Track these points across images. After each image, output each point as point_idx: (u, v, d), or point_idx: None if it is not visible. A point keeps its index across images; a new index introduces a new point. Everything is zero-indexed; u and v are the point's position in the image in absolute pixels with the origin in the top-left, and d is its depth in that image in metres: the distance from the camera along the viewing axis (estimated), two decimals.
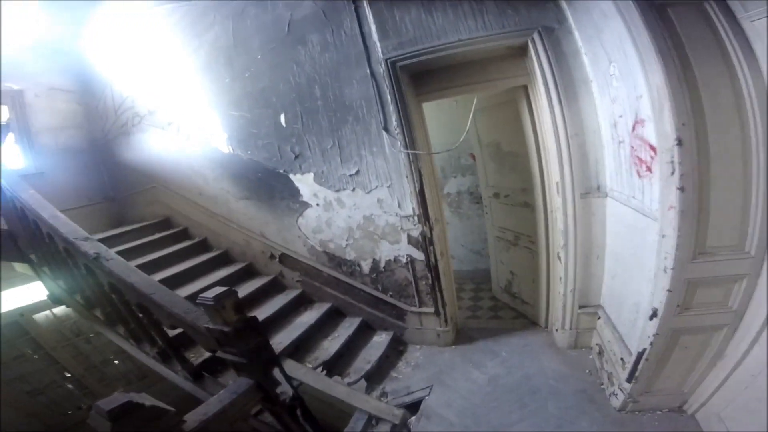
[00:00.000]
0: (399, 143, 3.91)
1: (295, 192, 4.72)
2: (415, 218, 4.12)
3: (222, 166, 5.20)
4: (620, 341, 3.28)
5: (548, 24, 3.30)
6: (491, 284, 5.66)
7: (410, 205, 4.09)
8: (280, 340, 4.15)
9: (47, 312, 6.46)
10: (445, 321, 4.39)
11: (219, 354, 2.22)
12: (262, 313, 4.49)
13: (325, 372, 3.86)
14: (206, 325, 2.14)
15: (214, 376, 3.36)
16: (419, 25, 3.63)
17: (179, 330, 2.54)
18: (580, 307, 3.85)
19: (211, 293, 2.05)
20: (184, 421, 1.58)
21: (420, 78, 4.03)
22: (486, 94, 4.57)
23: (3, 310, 5.92)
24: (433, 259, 4.21)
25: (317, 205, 4.63)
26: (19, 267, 4.67)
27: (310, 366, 3.92)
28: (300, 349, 4.19)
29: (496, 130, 4.73)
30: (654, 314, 2.67)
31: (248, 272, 5.30)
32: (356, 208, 4.41)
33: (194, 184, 5.59)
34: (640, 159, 2.74)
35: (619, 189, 3.18)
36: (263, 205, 5.04)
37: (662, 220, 2.49)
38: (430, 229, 4.13)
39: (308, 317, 4.61)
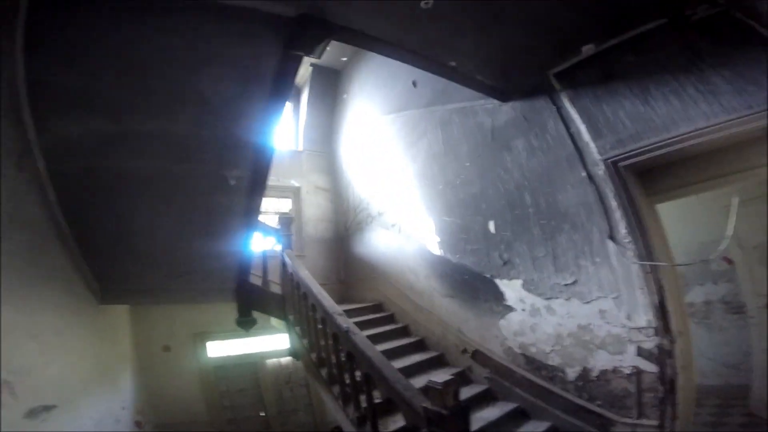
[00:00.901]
0: (630, 252, 3.44)
1: (499, 296, 4.68)
2: (651, 330, 3.48)
3: (432, 266, 5.67)
4: None
5: None
6: (748, 400, 4.80)
7: (643, 318, 3.49)
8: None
9: (276, 359, 7.90)
10: None
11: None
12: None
13: None
14: (423, 405, 2.40)
15: None
16: (638, 118, 3.33)
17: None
18: None
19: (439, 378, 2.31)
20: None
21: (650, 175, 3.59)
22: (743, 185, 3.80)
23: (250, 351, 7.65)
24: (669, 372, 3.47)
25: (522, 310, 4.45)
26: (275, 322, 5.88)
27: None
28: None
29: (760, 228, 3.96)
30: None
31: (439, 361, 5.40)
32: (570, 317, 4.02)
33: (406, 278, 6.22)
34: None
35: None
36: (465, 304, 5.17)
37: None
38: (671, 342, 3.44)
39: (489, 413, 4.32)
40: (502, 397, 4.76)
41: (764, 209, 3.80)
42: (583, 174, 3.70)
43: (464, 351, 5.25)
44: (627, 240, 3.50)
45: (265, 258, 5.63)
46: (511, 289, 4.59)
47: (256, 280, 5.67)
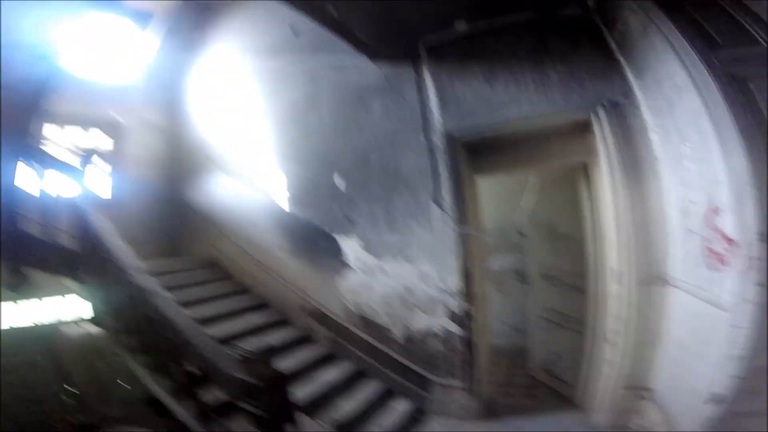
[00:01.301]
0: (449, 218, 3.77)
1: (340, 254, 4.67)
2: (457, 294, 3.86)
3: (277, 220, 5.32)
4: (668, 423, 2.87)
5: (613, 98, 3.20)
6: (528, 362, 5.22)
7: (454, 280, 3.86)
8: (298, 394, 3.86)
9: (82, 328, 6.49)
10: (474, 396, 4.00)
11: (240, 404, 2.15)
12: (287, 362, 4.19)
13: None
14: (236, 374, 2.08)
15: (222, 419, 3.14)
16: (480, 98, 3.58)
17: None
18: (625, 388, 3.37)
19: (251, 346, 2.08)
20: None
21: (478, 152, 3.93)
22: (545, 172, 4.40)
23: (40, 321, 6.14)
24: (470, 336, 3.89)
25: (359, 269, 4.53)
26: (69, 282, 4.73)
27: (321, 425, 3.62)
28: (316, 405, 3.86)
29: (551, 210, 4.52)
30: (718, 398, 2.31)
31: (281, 323, 5.11)
32: (397, 277, 4.25)
33: (248, 233, 5.65)
34: (712, 251, 2.41)
35: (684, 278, 2.85)
36: (309, 262, 5.01)
37: (735, 311, 2.20)
38: (473, 306, 3.87)
39: (331, 375, 4.32)
40: (344, 358, 4.74)
41: (555, 193, 4.40)
42: (423, 141, 3.87)
43: (306, 312, 5.06)
44: (449, 207, 3.81)
45: (52, 202, 4.26)
46: (351, 247, 4.63)
47: (32, 228, 4.25)
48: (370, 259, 4.40)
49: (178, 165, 6.74)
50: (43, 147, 5.50)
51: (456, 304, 3.89)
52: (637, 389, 3.36)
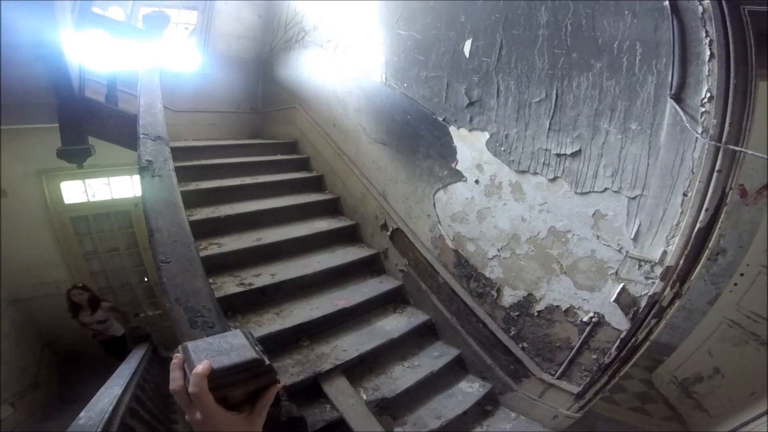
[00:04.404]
0: (702, 130, 2.01)
1: (448, 152, 3.20)
2: (658, 269, 2.23)
3: (367, 96, 3.95)
4: None
5: None
6: (661, 369, 3.95)
7: (661, 244, 2.21)
8: (345, 347, 2.95)
9: None
10: (581, 407, 2.72)
11: None
12: (341, 297, 3.31)
13: (377, 410, 2.61)
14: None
15: None
16: None
17: None
18: None
19: (229, 359, 0.71)
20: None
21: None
22: None
23: (120, 196, 5.87)
24: (639, 338, 2.37)
25: (475, 182, 3.05)
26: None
27: (365, 397, 2.69)
28: (364, 366, 2.95)
29: None
30: None
31: (350, 235, 4.14)
32: (543, 210, 2.69)
33: (332, 112, 4.50)
34: None
35: None
36: (399, 157, 3.68)
37: None
38: (675, 296, 2.24)
39: (393, 325, 3.30)
40: (416, 303, 3.63)
41: None
42: (665, 2, 2.04)
43: (383, 227, 3.89)
44: (705, 110, 2.01)
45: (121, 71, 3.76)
46: (470, 144, 3.08)
47: (95, 94, 3.74)
48: (501, 170, 2.87)
49: (272, 41, 5.70)
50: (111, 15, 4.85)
51: (643, 284, 2.31)
52: None
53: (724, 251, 4.03)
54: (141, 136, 2.23)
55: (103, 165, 5.20)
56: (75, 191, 5.58)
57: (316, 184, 4.64)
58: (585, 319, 2.56)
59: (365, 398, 2.69)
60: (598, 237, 2.46)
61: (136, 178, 5.19)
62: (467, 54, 2.97)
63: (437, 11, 3.18)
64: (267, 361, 0.71)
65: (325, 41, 4.56)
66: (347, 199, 4.35)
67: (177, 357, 0.69)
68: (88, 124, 3.72)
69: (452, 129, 3.16)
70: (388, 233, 3.79)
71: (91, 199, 5.76)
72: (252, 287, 3.08)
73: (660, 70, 2.14)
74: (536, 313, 2.82)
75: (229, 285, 3.08)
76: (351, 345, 2.96)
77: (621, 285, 2.38)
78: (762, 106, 2.10)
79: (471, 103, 2.99)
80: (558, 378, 2.77)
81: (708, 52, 1.97)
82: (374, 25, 3.80)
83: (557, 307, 2.70)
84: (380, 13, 3.74)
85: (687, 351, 3.68)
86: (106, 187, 5.83)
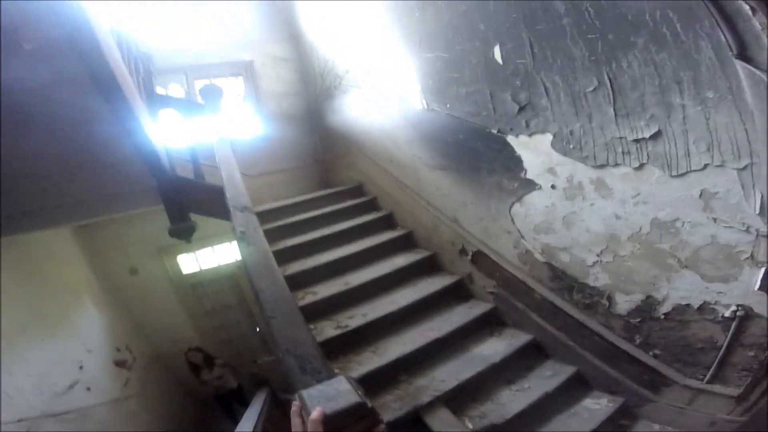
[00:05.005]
0: None
1: (513, 163, 2.94)
2: None
3: (414, 126, 3.84)
4: None
5: None
6: None
7: None
8: (442, 377, 2.83)
9: None
10: (746, 410, 2.25)
11: None
12: (431, 328, 3.20)
13: None
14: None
15: None
16: None
17: None
18: None
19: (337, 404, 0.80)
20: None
21: None
22: None
23: (222, 262, 6.42)
24: None
25: (551, 187, 2.74)
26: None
27: (470, 426, 2.55)
28: (465, 394, 2.77)
29: None
30: None
31: (429, 266, 4.00)
32: (638, 202, 2.32)
33: (386, 148, 4.47)
34: None
35: None
36: (462, 178, 3.48)
37: None
38: None
39: (492, 349, 3.08)
40: (512, 323, 3.38)
41: None
42: None
43: (462, 252, 3.71)
44: None
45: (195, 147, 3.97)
46: (533, 150, 2.79)
47: (185, 172, 4.01)
48: (576, 169, 2.53)
49: (313, 92, 5.91)
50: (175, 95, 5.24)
51: None
52: None
53: None
54: (231, 208, 2.46)
55: (204, 236, 5.73)
56: (189, 262, 6.33)
57: (387, 222, 4.63)
58: (727, 314, 2.14)
59: (470, 427, 2.55)
60: (714, 220, 2.04)
61: (234, 243, 5.65)
62: (500, 60, 2.72)
63: (454, 26, 2.99)
64: (369, 404, 0.80)
65: (360, 82, 4.59)
66: (419, 231, 4.26)
67: (295, 405, 0.81)
68: (185, 201, 3.94)
69: (510, 138, 2.90)
70: (468, 257, 3.60)
71: (203, 267, 6.45)
72: (348, 329, 3.18)
73: (709, 33, 1.74)
74: (662, 316, 2.41)
75: (328, 329, 3.22)
76: (449, 374, 2.85)
77: (763, 269, 1.95)
78: None
79: (522, 108, 2.72)
80: (708, 382, 2.33)
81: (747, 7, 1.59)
82: (400, 55, 3.72)
83: (687, 305, 2.29)
84: (400, 42, 3.65)
85: None
86: (212, 254, 6.44)
